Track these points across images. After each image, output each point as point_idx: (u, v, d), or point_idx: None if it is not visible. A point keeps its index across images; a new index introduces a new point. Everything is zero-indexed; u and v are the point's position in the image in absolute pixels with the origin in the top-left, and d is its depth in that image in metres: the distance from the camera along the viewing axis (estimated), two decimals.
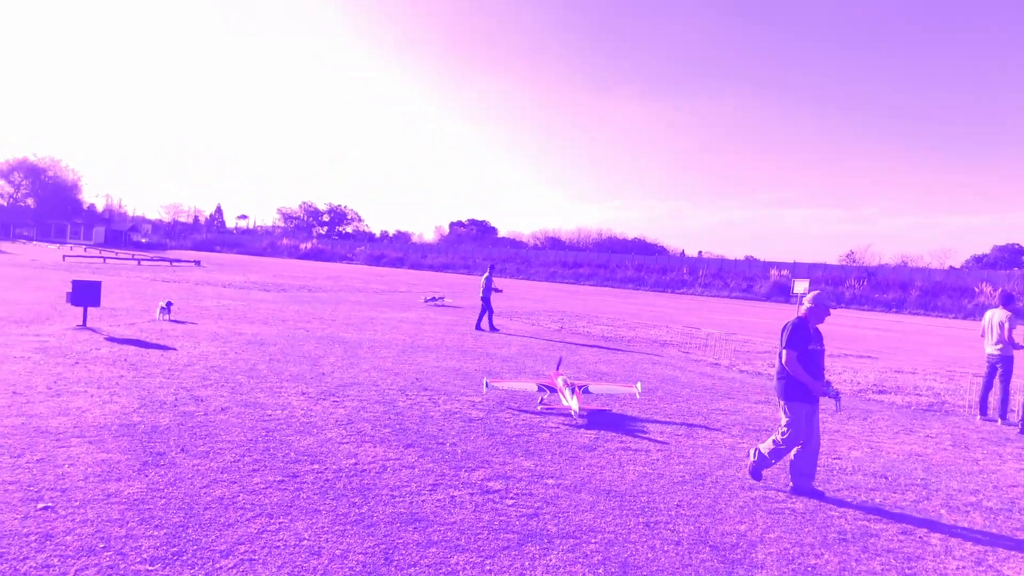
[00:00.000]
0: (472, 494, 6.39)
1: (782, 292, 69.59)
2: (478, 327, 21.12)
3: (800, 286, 15.78)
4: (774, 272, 74.25)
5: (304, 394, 10.08)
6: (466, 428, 8.82)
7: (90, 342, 13.19)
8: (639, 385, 11.19)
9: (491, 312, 21.51)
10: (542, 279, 78.09)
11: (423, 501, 6.10)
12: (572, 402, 9.86)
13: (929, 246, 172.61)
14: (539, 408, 10.33)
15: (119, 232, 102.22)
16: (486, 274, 21.89)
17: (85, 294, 14.73)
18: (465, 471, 7.06)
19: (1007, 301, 12.62)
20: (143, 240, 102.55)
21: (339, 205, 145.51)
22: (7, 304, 18.47)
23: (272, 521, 5.38)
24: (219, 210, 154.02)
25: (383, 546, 5.12)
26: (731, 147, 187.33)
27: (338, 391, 10.45)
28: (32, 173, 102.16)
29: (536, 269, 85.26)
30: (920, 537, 6.27)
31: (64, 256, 48.30)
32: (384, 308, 26.30)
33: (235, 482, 6.20)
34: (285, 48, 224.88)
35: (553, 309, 32.26)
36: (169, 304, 18.20)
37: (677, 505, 6.59)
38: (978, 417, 12.47)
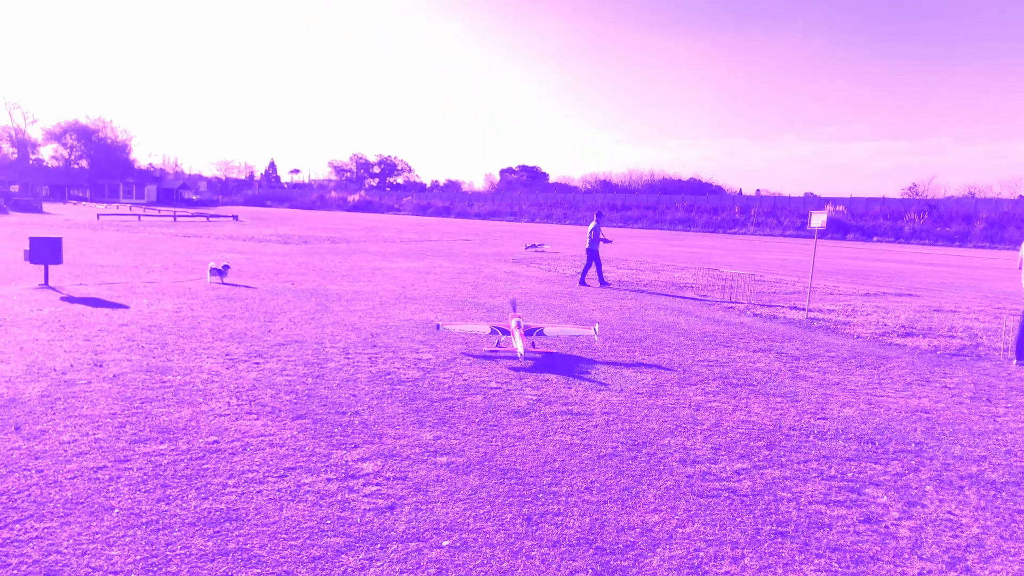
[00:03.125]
0: (329, 480, 5.24)
1: (839, 228, 66.94)
2: (583, 282, 19.19)
3: (817, 219, 14.08)
4: (829, 208, 71.31)
5: (227, 355, 9.05)
6: (388, 392, 7.67)
7: (37, 302, 12.38)
8: (596, 327, 10.54)
9: (599, 264, 19.34)
10: (586, 223, 76.28)
11: (258, 492, 4.97)
12: (518, 344, 9.49)
13: (1001, 176, 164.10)
14: (485, 350, 10.02)
15: (170, 190, 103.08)
16: (592, 223, 19.45)
17: (44, 251, 13.94)
18: (344, 449, 5.91)
19: None
20: (193, 197, 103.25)
21: (390, 156, 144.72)
22: None
23: (35, 527, 4.31)
24: (272, 165, 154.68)
25: (152, 560, 4.01)
26: (791, 81, 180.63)
27: (270, 351, 9.39)
28: (84, 135, 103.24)
29: (583, 213, 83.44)
30: (887, 527, 4.93)
31: (99, 215, 48.31)
32: (399, 258, 25.25)
33: (41, 471, 5.15)
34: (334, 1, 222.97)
35: (579, 253, 30.82)
36: (226, 267, 16.41)
37: (586, 488, 5.34)
38: (1014, 362, 10.90)
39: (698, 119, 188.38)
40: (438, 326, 10.28)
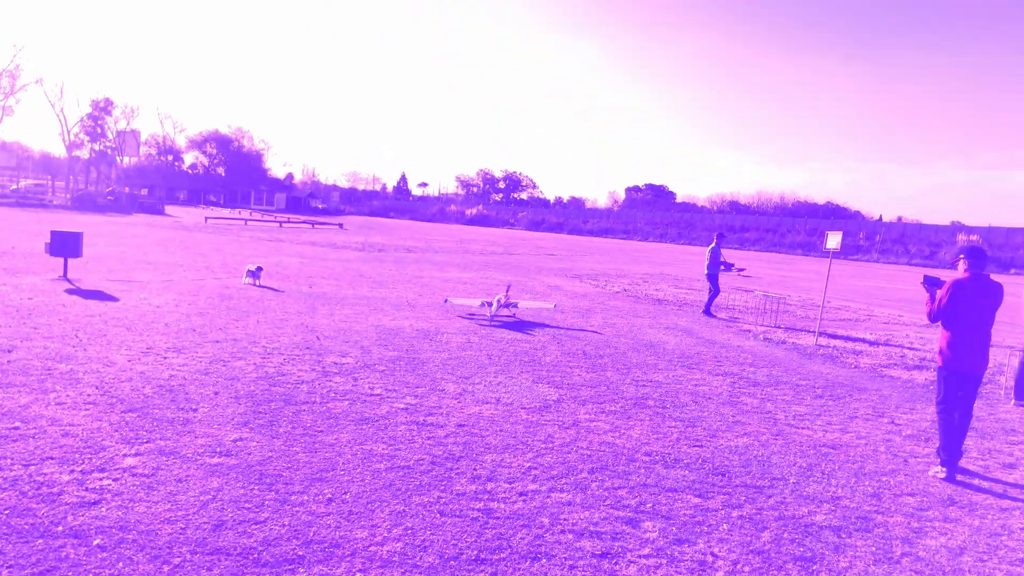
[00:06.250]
0: (72, 472, 5.18)
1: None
2: (707, 312, 17.19)
3: (832, 240, 13.12)
4: (962, 237, 66.77)
5: (148, 348, 9.21)
6: (252, 392, 7.59)
7: (37, 291, 13.03)
8: (554, 304, 16.08)
9: (716, 293, 17.25)
10: (703, 244, 74.22)
11: None
12: (492, 309, 13.53)
13: None
14: (471, 311, 14.31)
15: (299, 198, 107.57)
16: (712, 244, 17.37)
17: (64, 245, 14.67)
18: (132, 444, 5.86)
19: None
20: (320, 206, 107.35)
21: (515, 172, 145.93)
22: (24, 256, 18.62)
23: None
24: (404, 178, 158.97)
25: None
26: (947, 104, 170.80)
27: (194, 347, 9.49)
28: (223, 144, 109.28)
29: (700, 234, 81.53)
30: (617, 564, 4.39)
31: (207, 218, 50.90)
32: (452, 268, 25.34)
33: None
34: (466, 17, 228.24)
35: (654, 273, 30.06)
36: (259, 269, 16.83)
37: (329, 499, 5.08)
38: (1012, 402, 9.75)
39: (843, 142, 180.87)
40: (446, 300, 15.01)
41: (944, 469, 6.52)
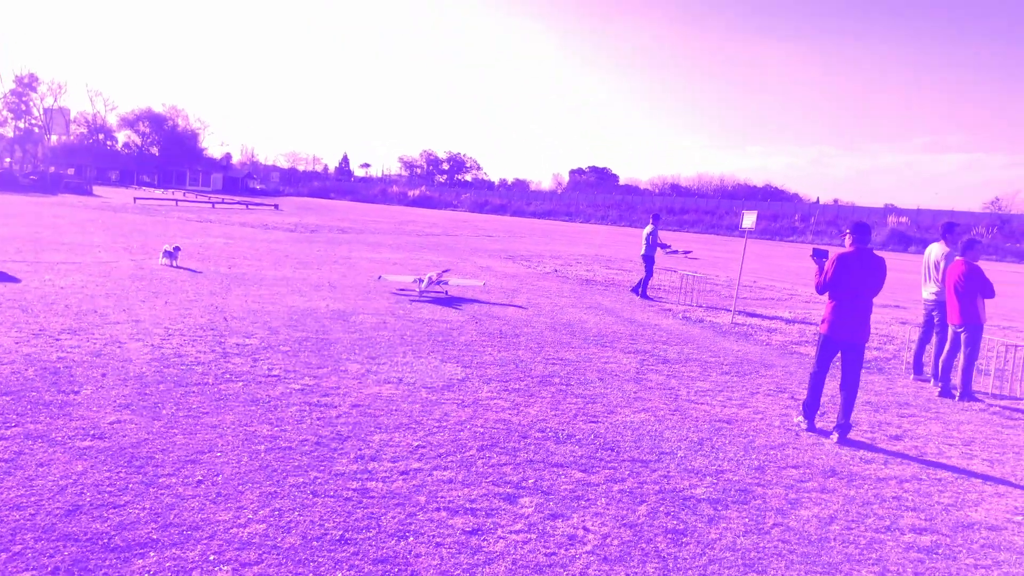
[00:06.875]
0: None
1: (901, 240, 64.28)
2: (634, 290, 17.15)
3: (748, 220, 13.28)
4: (891, 219, 68.50)
5: (41, 330, 8.91)
6: (143, 374, 7.39)
7: None
8: (483, 282, 16.47)
9: (649, 275, 17.13)
10: (642, 226, 74.76)
11: None
12: (423, 285, 13.99)
13: None
14: (398, 289, 14.75)
15: (236, 179, 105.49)
16: (648, 227, 17.38)
17: None
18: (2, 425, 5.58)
19: (947, 232, 9.95)
20: (258, 186, 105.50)
21: (459, 153, 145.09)
22: None
23: None
24: (345, 159, 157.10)
25: None
26: (882, 89, 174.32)
27: (92, 328, 9.24)
28: (157, 122, 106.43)
29: (639, 216, 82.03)
30: (486, 540, 4.35)
31: (135, 198, 49.61)
32: (385, 249, 25.13)
33: None
34: None
35: (588, 254, 30.20)
36: (176, 249, 16.44)
37: (198, 482, 4.93)
38: (911, 376, 9.98)
39: (782, 126, 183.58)
40: (379, 276, 15.87)
41: (806, 420, 7.16)
